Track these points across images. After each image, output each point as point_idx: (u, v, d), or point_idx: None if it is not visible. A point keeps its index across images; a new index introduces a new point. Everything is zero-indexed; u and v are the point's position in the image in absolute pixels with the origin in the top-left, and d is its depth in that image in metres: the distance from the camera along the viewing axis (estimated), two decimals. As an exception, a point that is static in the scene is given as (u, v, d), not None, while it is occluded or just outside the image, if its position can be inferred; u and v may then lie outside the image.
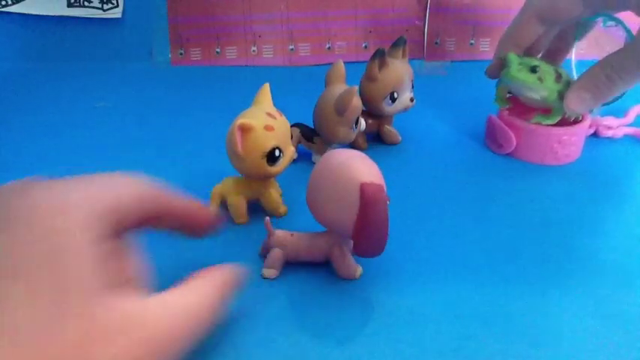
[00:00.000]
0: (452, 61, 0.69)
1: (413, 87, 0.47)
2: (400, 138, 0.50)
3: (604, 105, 0.50)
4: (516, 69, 0.43)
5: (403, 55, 0.47)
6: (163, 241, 0.37)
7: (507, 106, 0.47)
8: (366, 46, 0.69)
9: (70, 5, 0.66)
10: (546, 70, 0.43)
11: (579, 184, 0.43)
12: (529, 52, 0.46)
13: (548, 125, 0.44)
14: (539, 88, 0.43)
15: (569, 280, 0.33)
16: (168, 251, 0.36)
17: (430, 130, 0.52)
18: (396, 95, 0.46)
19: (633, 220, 0.39)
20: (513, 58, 0.43)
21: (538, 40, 0.45)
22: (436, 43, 0.70)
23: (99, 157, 0.48)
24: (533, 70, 0.42)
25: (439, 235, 0.38)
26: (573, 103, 0.41)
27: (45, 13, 0.66)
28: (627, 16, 0.42)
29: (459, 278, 0.34)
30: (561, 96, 0.42)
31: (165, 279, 0.34)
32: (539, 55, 0.48)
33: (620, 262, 0.35)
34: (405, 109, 0.48)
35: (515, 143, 0.45)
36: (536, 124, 0.44)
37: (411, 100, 0.47)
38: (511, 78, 0.43)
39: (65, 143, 0.51)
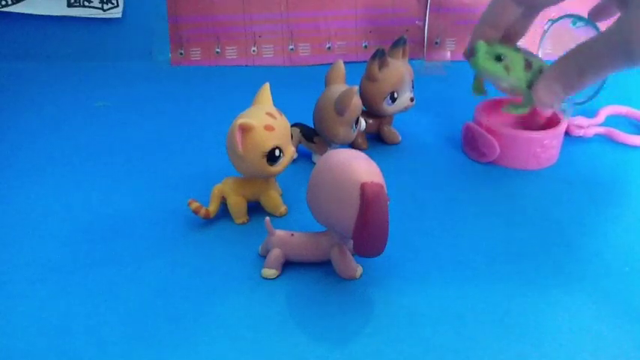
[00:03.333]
0: (452, 61, 0.69)
1: (413, 87, 0.47)
2: (400, 138, 0.50)
3: (578, 105, 0.50)
4: (482, 57, 0.41)
5: (403, 55, 0.47)
6: (164, 242, 0.37)
7: (484, 96, 0.46)
8: (366, 46, 0.69)
9: (70, 5, 0.66)
10: (514, 58, 0.41)
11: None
12: (508, 35, 0.44)
13: (523, 127, 0.43)
14: (507, 77, 0.41)
15: (569, 280, 0.33)
16: (168, 251, 0.36)
17: (430, 130, 0.52)
18: (396, 95, 0.46)
19: (625, 219, 0.39)
20: (481, 46, 0.42)
21: (517, 23, 0.43)
22: (436, 43, 0.70)
23: (99, 157, 0.48)
24: (499, 58, 0.41)
25: (439, 235, 0.38)
26: (542, 94, 0.40)
27: (45, 13, 0.66)
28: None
29: (459, 278, 0.34)
30: (531, 85, 0.41)
31: (166, 279, 0.34)
32: (520, 39, 0.46)
33: (619, 261, 0.35)
34: (405, 109, 0.48)
35: (498, 151, 0.44)
36: (507, 112, 0.43)
37: (411, 100, 0.47)
38: (476, 66, 0.42)
39: (65, 143, 0.51)
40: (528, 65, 0.41)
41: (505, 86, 0.43)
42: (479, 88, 0.46)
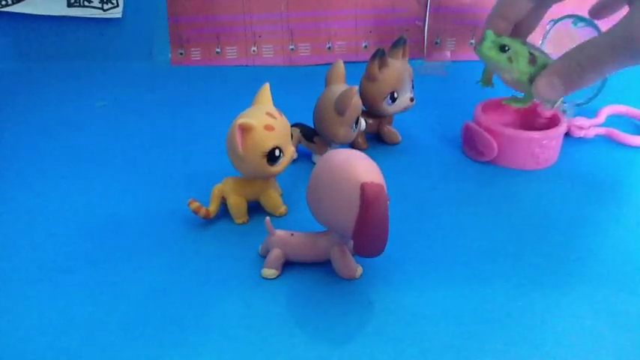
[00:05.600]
0: (452, 61, 0.69)
1: (413, 87, 0.47)
2: (400, 138, 0.50)
3: (578, 105, 0.50)
4: (488, 46, 0.42)
5: (403, 55, 0.47)
6: (164, 242, 0.37)
7: (491, 87, 0.46)
8: (366, 46, 0.69)
9: (70, 5, 0.66)
10: (519, 51, 0.41)
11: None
12: (519, 29, 0.44)
13: (523, 128, 0.43)
14: (510, 68, 0.42)
15: (569, 280, 0.33)
16: (168, 251, 0.36)
17: (430, 130, 0.52)
18: (396, 95, 0.46)
19: (625, 219, 0.39)
20: (489, 34, 0.42)
21: (527, 17, 0.43)
22: (436, 43, 0.70)
23: (99, 157, 0.48)
24: (503, 49, 0.41)
25: (439, 235, 0.38)
26: (543, 88, 0.40)
27: (45, 13, 0.66)
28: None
29: (459, 278, 0.34)
30: (533, 79, 0.41)
31: (166, 278, 0.34)
32: (530, 34, 0.46)
33: (618, 261, 0.35)
34: (405, 109, 0.48)
35: (496, 150, 0.45)
36: (506, 104, 0.44)
37: (411, 100, 0.47)
38: (480, 54, 0.42)
39: (65, 143, 0.51)
40: (532, 60, 0.41)
41: (507, 78, 0.43)
42: (487, 80, 0.46)
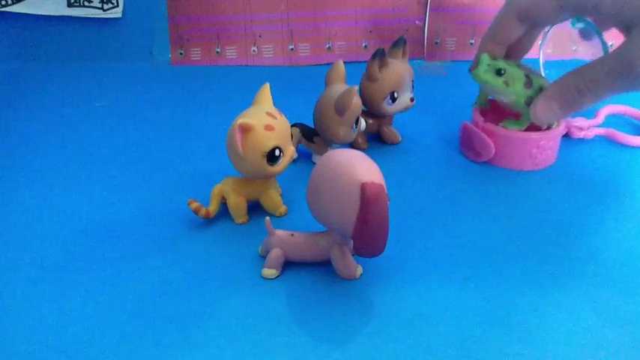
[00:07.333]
0: (452, 61, 0.69)
1: (413, 87, 0.47)
2: (400, 138, 0.50)
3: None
4: (483, 70, 0.42)
5: (403, 55, 0.47)
6: (164, 242, 0.37)
7: (485, 107, 0.47)
8: (366, 46, 0.69)
9: (70, 5, 0.66)
10: (515, 74, 0.42)
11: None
12: (512, 51, 0.45)
13: (521, 131, 0.44)
14: (506, 91, 0.42)
15: (569, 281, 0.33)
16: (168, 251, 0.36)
17: (430, 130, 0.52)
18: (396, 95, 0.46)
19: (624, 219, 0.39)
20: (484, 58, 0.42)
21: (521, 39, 0.44)
22: (436, 43, 0.70)
23: (99, 157, 0.48)
24: (499, 72, 0.42)
25: (439, 235, 0.38)
26: (540, 112, 0.41)
27: (45, 13, 0.66)
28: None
29: (459, 278, 0.34)
30: (530, 102, 0.42)
31: (166, 278, 0.34)
32: (525, 55, 0.47)
33: (618, 261, 0.35)
34: (405, 109, 0.48)
35: (493, 151, 0.44)
36: (504, 127, 0.44)
37: (411, 100, 0.47)
38: (476, 78, 0.43)
39: (65, 143, 0.51)
40: (528, 83, 0.42)
41: (504, 101, 0.43)
42: (483, 102, 0.47)
